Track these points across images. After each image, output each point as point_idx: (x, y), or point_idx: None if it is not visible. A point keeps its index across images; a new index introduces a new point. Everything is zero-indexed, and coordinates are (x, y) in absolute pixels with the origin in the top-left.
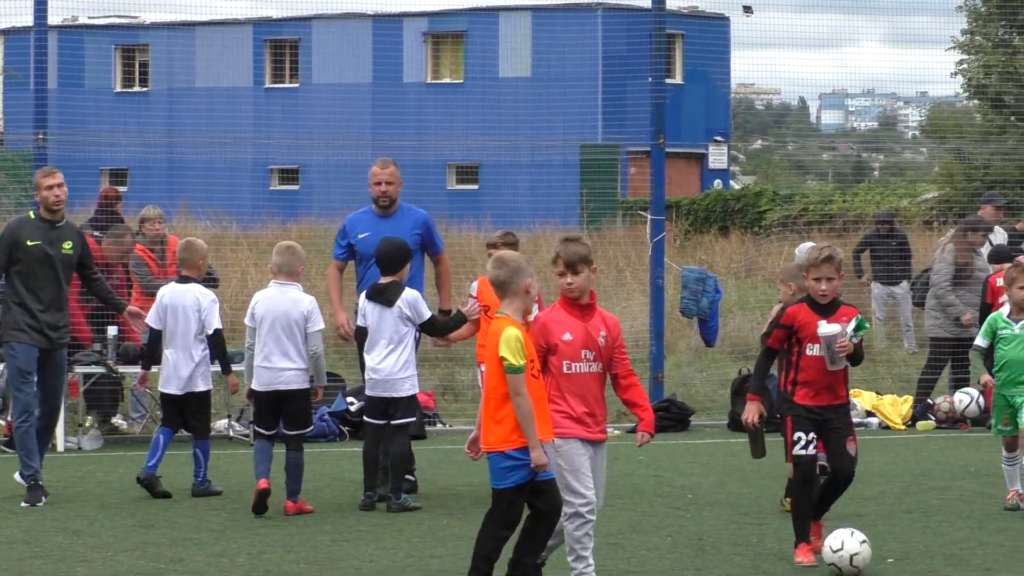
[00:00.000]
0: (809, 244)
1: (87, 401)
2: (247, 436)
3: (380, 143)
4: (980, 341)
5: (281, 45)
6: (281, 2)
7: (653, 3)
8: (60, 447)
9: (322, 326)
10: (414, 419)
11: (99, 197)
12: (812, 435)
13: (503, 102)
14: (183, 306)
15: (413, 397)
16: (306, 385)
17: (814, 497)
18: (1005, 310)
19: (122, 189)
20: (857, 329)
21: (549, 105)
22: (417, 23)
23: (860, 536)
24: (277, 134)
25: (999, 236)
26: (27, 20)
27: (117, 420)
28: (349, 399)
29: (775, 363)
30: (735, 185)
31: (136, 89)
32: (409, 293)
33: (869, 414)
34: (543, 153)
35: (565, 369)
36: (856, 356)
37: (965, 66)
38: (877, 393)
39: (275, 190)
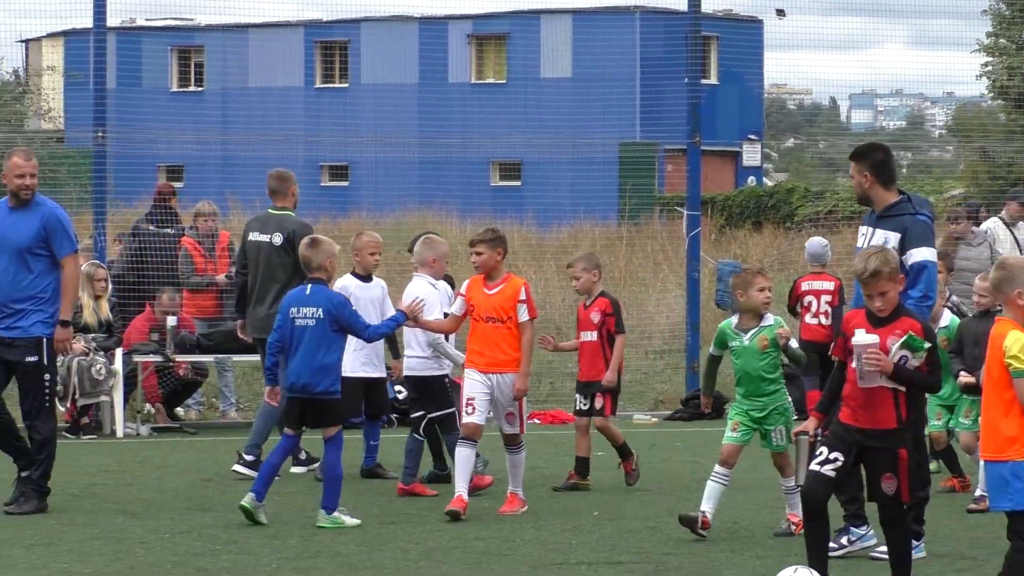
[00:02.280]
0: (818, 239)
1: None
2: None
3: (426, 141)
4: (712, 350)
5: (331, 46)
6: (331, 5)
7: (689, 6)
8: (119, 433)
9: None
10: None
11: (155, 192)
12: (836, 455)
13: (544, 101)
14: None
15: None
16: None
17: (823, 527)
18: (735, 319)
19: (177, 185)
20: (910, 347)
21: (589, 104)
22: (462, 25)
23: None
24: (327, 132)
25: (1023, 231)
26: (87, 22)
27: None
28: (397, 387)
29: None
30: (768, 182)
31: (191, 89)
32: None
33: None
34: (583, 151)
35: None
36: (905, 378)
37: (990, 68)
38: None
39: (325, 186)
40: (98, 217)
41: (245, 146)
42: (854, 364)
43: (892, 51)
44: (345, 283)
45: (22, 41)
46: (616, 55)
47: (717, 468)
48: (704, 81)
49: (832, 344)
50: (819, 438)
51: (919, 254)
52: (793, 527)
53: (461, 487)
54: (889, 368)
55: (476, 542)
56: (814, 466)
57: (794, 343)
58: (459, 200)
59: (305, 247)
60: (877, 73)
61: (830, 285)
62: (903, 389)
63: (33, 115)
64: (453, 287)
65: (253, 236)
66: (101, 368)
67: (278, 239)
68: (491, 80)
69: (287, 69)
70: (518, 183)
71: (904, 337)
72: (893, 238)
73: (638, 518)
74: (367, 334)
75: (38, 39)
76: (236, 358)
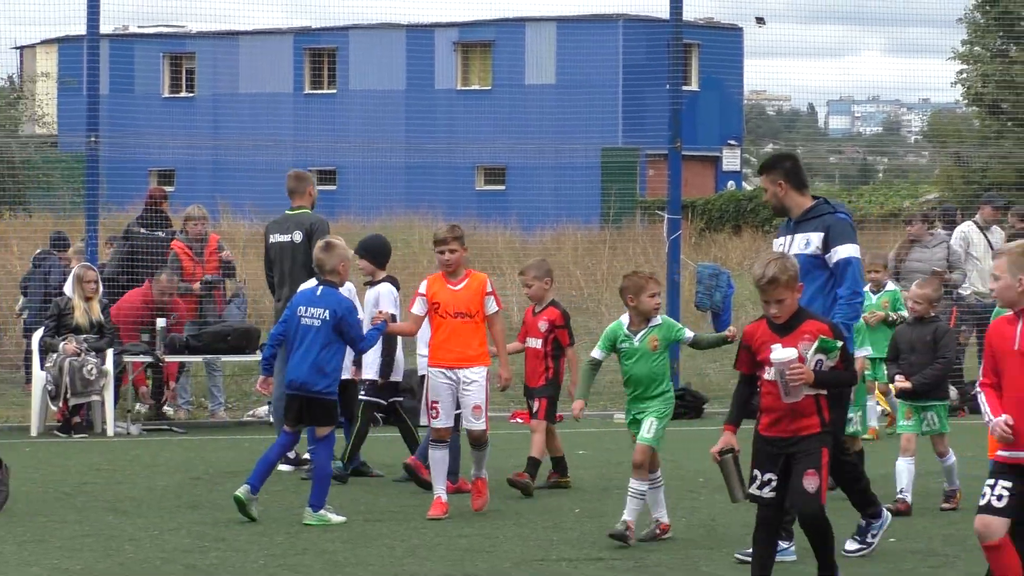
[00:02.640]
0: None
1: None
2: None
3: (413, 146)
4: (596, 352)
5: (320, 53)
6: (320, 12)
7: (671, 14)
8: (110, 432)
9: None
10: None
11: (146, 196)
12: (769, 476)
13: (529, 107)
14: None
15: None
16: None
17: (771, 547)
18: (625, 319)
19: (169, 189)
20: (824, 350)
21: (572, 110)
22: (448, 33)
23: None
24: (316, 137)
25: (996, 235)
26: (80, 29)
27: (165, 407)
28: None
29: None
30: (747, 186)
31: (183, 94)
32: None
33: None
34: (566, 156)
35: None
36: (826, 381)
37: (964, 75)
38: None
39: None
40: (90, 220)
41: (235, 151)
42: (769, 377)
43: (869, 58)
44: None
45: (17, 48)
46: (599, 62)
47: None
48: (685, 87)
49: (736, 359)
50: (727, 457)
51: (844, 251)
52: (659, 530)
53: (439, 490)
54: (811, 378)
55: (460, 539)
56: (754, 491)
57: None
58: (445, 204)
59: (319, 250)
60: (854, 80)
61: None
62: (824, 392)
63: (27, 120)
64: (398, 288)
65: (274, 238)
66: (92, 368)
67: (298, 237)
68: (476, 86)
69: (277, 75)
70: (503, 187)
71: (816, 342)
72: (816, 238)
73: (619, 515)
74: (359, 346)
75: (32, 46)
76: (225, 358)
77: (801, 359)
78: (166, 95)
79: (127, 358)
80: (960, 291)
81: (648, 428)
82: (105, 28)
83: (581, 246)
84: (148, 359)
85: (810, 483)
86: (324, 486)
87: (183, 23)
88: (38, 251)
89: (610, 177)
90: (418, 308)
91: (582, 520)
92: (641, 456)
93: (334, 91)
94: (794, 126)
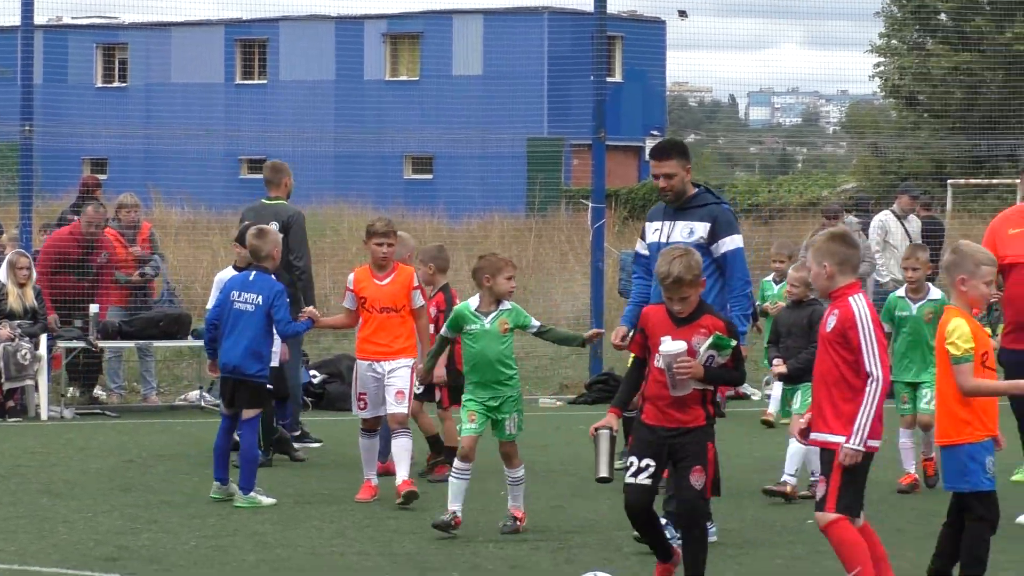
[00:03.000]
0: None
1: (69, 373)
2: (217, 406)
3: (342, 136)
4: (447, 332)
5: (250, 44)
6: (251, 4)
7: (595, 7)
8: (44, 416)
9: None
10: None
11: (80, 184)
12: (647, 461)
13: (456, 98)
14: None
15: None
16: None
17: (657, 531)
18: (474, 302)
19: (102, 177)
20: (716, 347)
21: (499, 101)
22: (377, 24)
23: None
24: (246, 127)
25: (913, 224)
26: (15, 20)
27: (97, 391)
28: (312, 372)
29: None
30: None
31: (116, 84)
32: None
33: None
34: (493, 145)
35: None
36: (715, 378)
37: (882, 68)
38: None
39: (244, 179)
40: (24, 208)
41: (167, 140)
42: (657, 365)
43: (788, 51)
44: (223, 276)
45: None
46: (525, 54)
47: (458, 464)
48: (609, 79)
49: (629, 339)
50: (603, 432)
51: (732, 242)
52: (517, 522)
53: (370, 474)
54: (700, 373)
55: (389, 520)
56: (629, 479)
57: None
58: (373, 193)
59: (253, 237)
60: (774, 72)
61: None
62: (712, 388)
63: None
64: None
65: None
66: (26, 353)
67: (275, 227)
68: (405, 77)
69: (208, 66)
70: (430, 176)
71: (711, 337)
72: (701, 228)
73: (544, 498)
74: (282, 327)
75: None
76: (157, 344)
77: (692, 352)
78: (99, 85)
79: (61, 343)
80: (878, 278)
81: (511, 426)
82: (39, 19)
83: (507, 234)
84: (81, 344)
85: (697, 480)
86: (252, 469)
87: (116, 14)
88: None
89: (536, 166)
90: (348, 302)
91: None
92: (511, 449)
93: (265, 81)
94: (715, 117)
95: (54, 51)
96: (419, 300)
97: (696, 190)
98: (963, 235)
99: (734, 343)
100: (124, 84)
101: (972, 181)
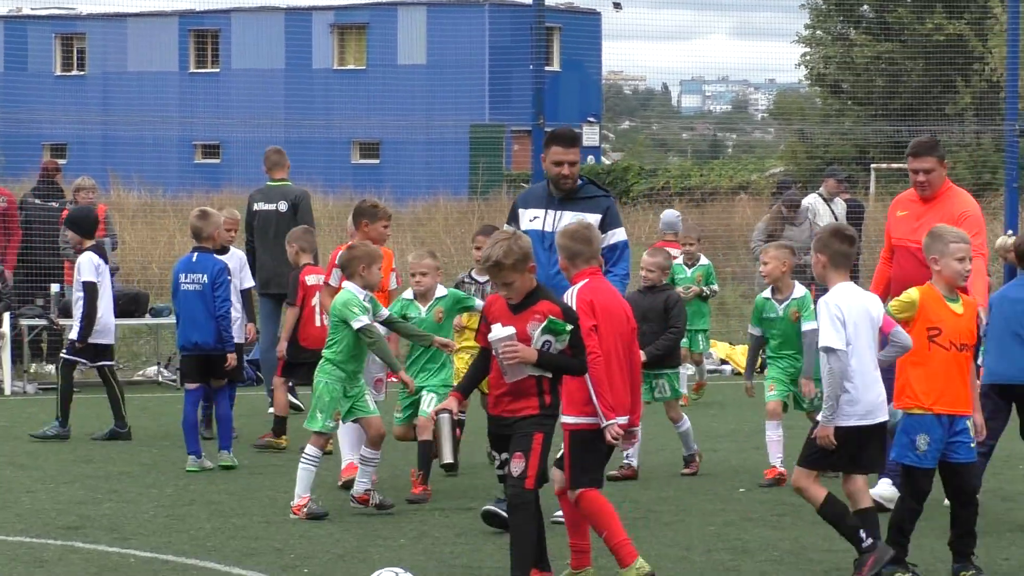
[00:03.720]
0: (672, 212)
1: (31, 350)
2: (174, 381)
3: (292, 122)
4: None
5: (203, 34)
6: None
7: (534, 1)
8: (7, 391)
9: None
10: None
11: (40, 168)
12: (505, 455)
13: (401, 86)
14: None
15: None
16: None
17: (531, 531)
18: (409, 293)
19: (61, 162)
20: (552, 331)
21: (442, 89)
22: (324, 16)
23: None
24: (200, 114)
25: (839, 207)
26: None
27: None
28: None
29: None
30: (606, 161)
31: (74, 73)
32: None
33: (723, 362)
34: (437, 131)
35: None
36: (550, 363)
37: (807, 57)
38: (730, 343)
39: (199, 163)
40: None
41: (124, 126)
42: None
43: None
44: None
45: None
46: (467, 44)
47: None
48: (548, 68)
49: (477, 331)
50: (444, 416)
51: (620, 234)
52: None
53: (351, 455)
54: (531, 357)
55: (340, 491)
56: (497, 471)
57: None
58: (322, 177)
59: (196, 219)
60: (705, 61)
61: (677, 252)
62: (548, 375)
63: None
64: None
65: (258, 206)
66: None
67: (283, 207)
68: (352, 66)
69: (163, 55)
70: (377, 161)
71: (545, 322)
72: (593, 219)
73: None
74: (217, 304)
75: None
76: (116, 321)
77: (528, 338)
78: (58, 73)
79: (23, 322)
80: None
81: (428, 403)
82: None
83: (451, 216)
84: (43, 322)
85: (515, 466)
86: (230, 428)
87: (74, 5)
88: None
89: (478, 152)
90: (335, 279)
91: (462, 472)
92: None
93: (217, 70)
94: (649, 104)
95: (14, 40)
96: (393, 283)
97: (580, 181)
98: (885, 217)
99: (570, 328)
100: (83, 72)
101: (894, 165)
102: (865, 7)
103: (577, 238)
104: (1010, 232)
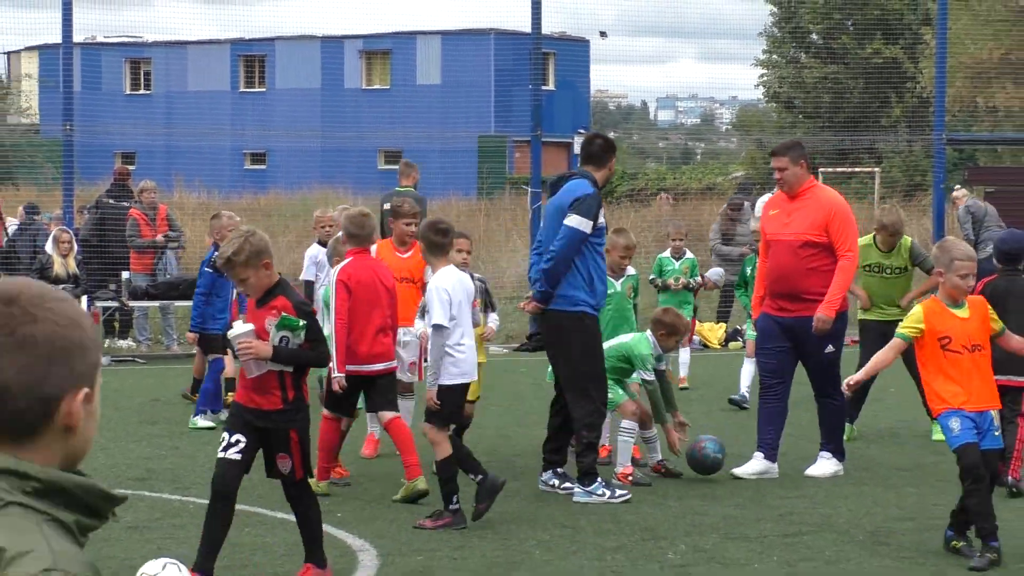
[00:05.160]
0: (717, 270)
1: (104, 328)
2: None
3: (327, 134)
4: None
5: (252, 59)
6: (251, 27)
7: (532, 29)
8: None
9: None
10: None
11: (114, 173)
12: (238, 437)
13: (419, 103)
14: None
15: None
16: None
17: (230, 511)
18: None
19: (131, 168)
20: (287, 328)
21: (454, 105)
22: (354, 43)
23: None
24: (249, 127)
25: None
26: (57, 38)
27: (128, 343)
28: None
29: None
30: None
31: (141, 92)
32: None
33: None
34: (450, 141)
35: None
36: (286, 358)
37: (765, 78)
38: (699, 320)
39: (248, 169)
40: (67, 192)
41: (184, 137)
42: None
43: (687, 64)
44: (311, 252)
45: (4, 53)
46: (475, 67)
47: (626, 424)
48: (544, 87)
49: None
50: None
51: (570, 220)
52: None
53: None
54: (266, 353)
55: (363, 460)
56: (220, 453)
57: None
58: (352, 181)
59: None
60: (677, 81)
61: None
62: (290, 370)
63: (15, 112)
64: None
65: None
66: None
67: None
68: (378, 86)
69: (217, 77)
70: (398, 167)
71: (279, 318)
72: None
73: (492, 428)
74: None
75: (18, 52)
76: (177, 303)
77: (264, 331)
78: (128, 92)
79: (98, 303)
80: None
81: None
82: (77, 38)
83: (462, 214)
84: (115, 304)
85: (283, 466)
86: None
87: (141, 34)
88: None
89: (484, 158)
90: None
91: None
92: None
93: (264, 90)
94: (630, 118)
95: (89, 64)
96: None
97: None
98: None
99: (303, 323)
100: (148, 92)
101: (839, 169)
102: (814, 35)
103: (352, 222)
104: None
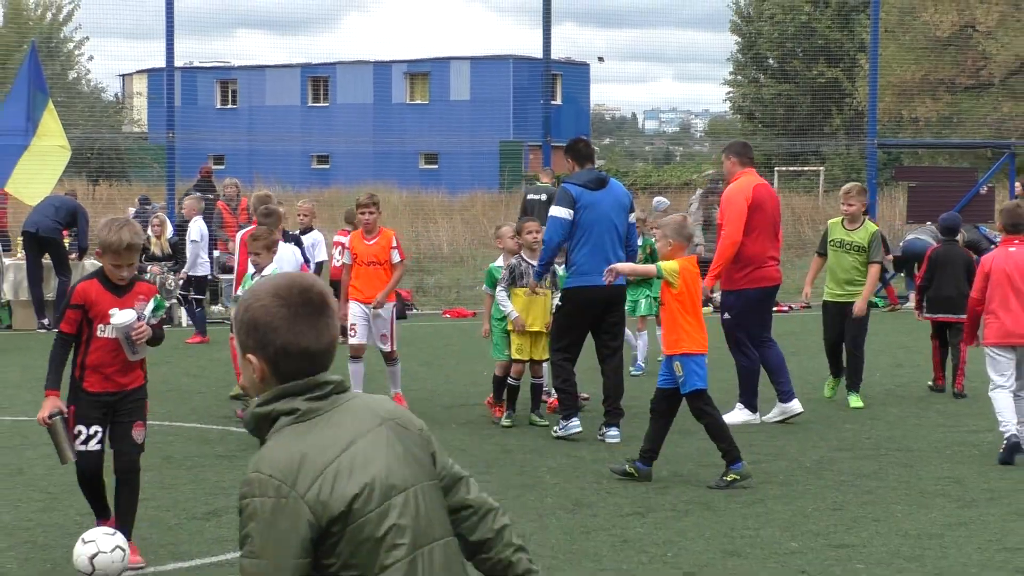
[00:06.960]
0: (661, 199)
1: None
2: None
3: (378, 140)
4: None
5: (317, 79)
6: (317, 53)
7: (543, 55)
8: (184, 323)
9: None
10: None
11: (200, 172)
12: (96, 428)
13: (453, 115)
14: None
15: None
16: None
17: (97, 500)
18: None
19: (220, 168)
20: (156, 310)
21: (481, 116)
22: (400, 66)
23: (118, 541)
24: (315, 134)
25: None
26: (161, 63)
27: (218, 308)
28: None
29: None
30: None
31: (229, 106)
32: None
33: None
34: (477, 146)
35: None
36: (156, 338)
37: (731, 95)
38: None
39: (314, 168)
40: (170, 187)
41: (264, 142)
42: (109, 336)
43: (668, 83)
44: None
45: (120, 76)
46: (497, 84)
47: None
48: (553, 102)
49: (63, 319)
50: (57, 418)
51: (552, 210)
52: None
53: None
54: (150, 334)
55: None
56: (80, 447)
57: None
58: (398, 178)
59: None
60: (659, 97)
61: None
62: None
63: (128, 123)
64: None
65: (530, 196)
66: (171, 282)
67: (544, 197)
68: (419, 101)
69: (289, 94)
70: (436, 166)
71: (151, 301)
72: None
73: (462, 383)
74: None
75: (131, 74)
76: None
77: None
78: (218, 107)
79: (192, 275)
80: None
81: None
82: (178, 63)
83: (487, 205)
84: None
85: (139, 435)
86: None
87: (228, 60)
88: (136, 208)
89: (505, 159)
90: (346, 258)
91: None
92: None
93: (327, 104)
94: (623, 127)
95: (188, 84)
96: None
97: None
98: (784, 204)
99: (168, 304)
100: (235, 106)
101: (791, 168)
102: (771, 60)
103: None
104: None
